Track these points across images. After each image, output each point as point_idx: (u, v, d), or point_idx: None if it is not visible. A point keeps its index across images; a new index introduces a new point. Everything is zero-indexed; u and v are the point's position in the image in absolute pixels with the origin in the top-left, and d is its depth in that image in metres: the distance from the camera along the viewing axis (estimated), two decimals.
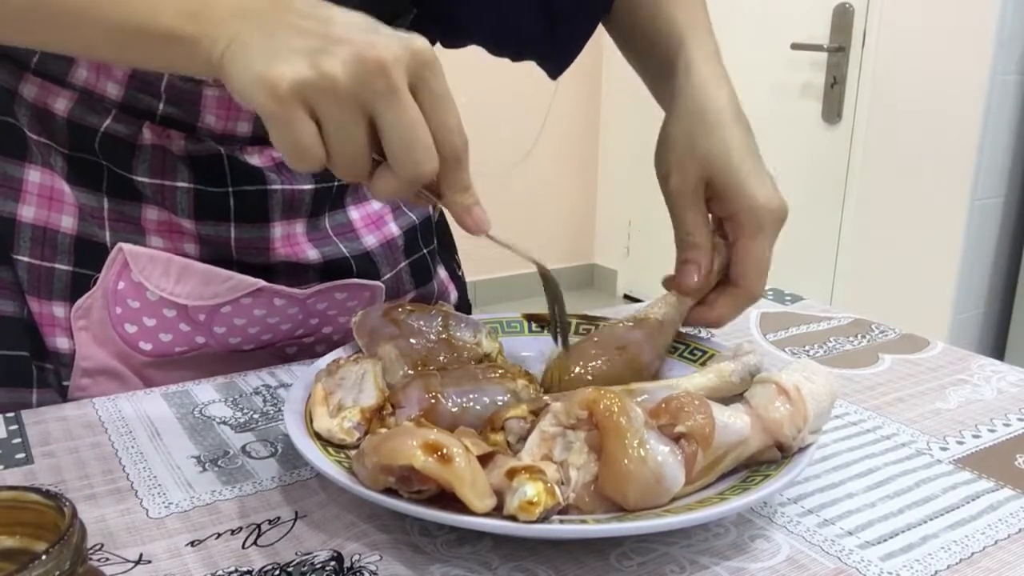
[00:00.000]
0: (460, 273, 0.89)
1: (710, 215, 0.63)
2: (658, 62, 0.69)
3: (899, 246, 2.43)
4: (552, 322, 0.60)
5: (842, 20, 2.49)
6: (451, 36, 0.76)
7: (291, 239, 0.69)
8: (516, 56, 0.78)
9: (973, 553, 0.46)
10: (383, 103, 0.43)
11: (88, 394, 0.67)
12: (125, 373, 0.68)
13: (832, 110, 2.56)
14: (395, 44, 0.43)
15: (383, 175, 0.46)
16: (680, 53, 0.66)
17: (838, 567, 0.45)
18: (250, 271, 0.67)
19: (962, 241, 2.29)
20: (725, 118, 0.62)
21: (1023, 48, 2.19)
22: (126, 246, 0.65)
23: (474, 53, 0.78)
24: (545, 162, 3.52)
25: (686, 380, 0.54)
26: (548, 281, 0.58)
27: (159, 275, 0.65)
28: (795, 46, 2.58)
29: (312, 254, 0.70)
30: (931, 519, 0.49)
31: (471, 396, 0.51)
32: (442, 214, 0.88)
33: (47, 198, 0.66)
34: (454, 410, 0.50)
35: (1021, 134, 2.27)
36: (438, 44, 0.83)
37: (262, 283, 0.67)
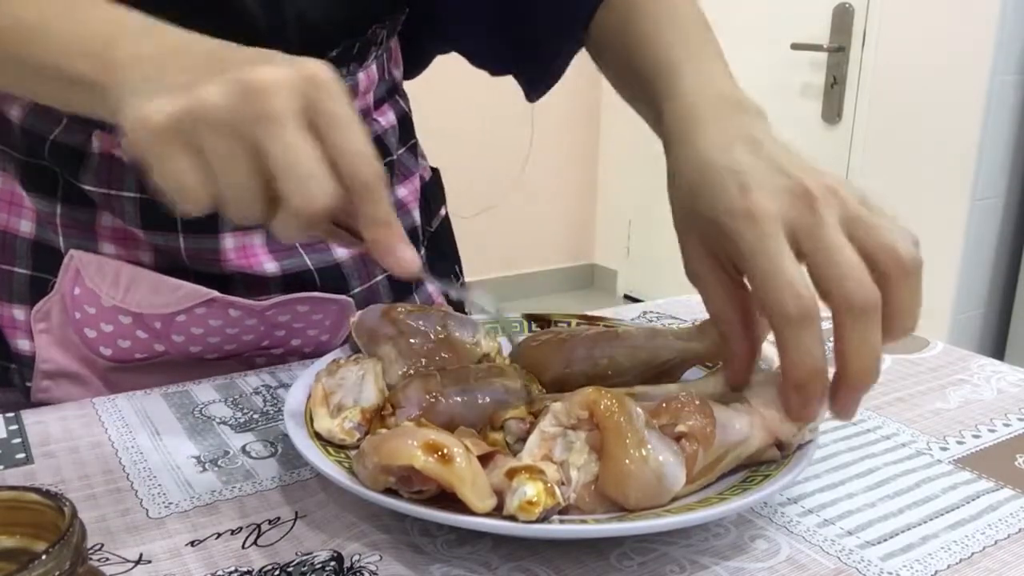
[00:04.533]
0: (459, 283, 0.87)
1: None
2: (646, 104, 0.60)
3: None
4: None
5: (842, 20, 2.49)
6: (438, 41, 0.76)
7: (246, 250, 0.67)
8: (493, 71, 0.76)
9: (973, 553, 0.46)
10: (264, 130, 0.39)
11: (51, 396, 0.67)
12: (88, 377, 0.68)
13: (832, 110, 2.57)
14: (281, 69, 0.40)
15: (281, 214, 0.41)
16: (665, 97, 0.56)
17: (838, 567, 0.45)
18: (206, 281, 0.66)
19: (962, 241, 2.29)
20: (719, 174, 0.47)
21: (1023, 48, 2.19)
22: (76, 253, 0.65)
23: None
24: (545, 162, 3.52)
25: (691, 386, 0.53)
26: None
27: (109, 283, 0.65)
28: (795, 46, 2.58)
29: (270, 266, 0.68)
30: (931, 519, 0.49)
31: (471, 396, 0.51)
32: (444, 220, 0.87)
33: (7, 202, 0.66)
34: (454, 410, 0.50)
35: (1021, 134, 2.27)
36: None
37: (214, 293, 0.65)
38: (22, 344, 0.67)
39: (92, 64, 0.43)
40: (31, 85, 0.49)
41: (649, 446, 0.44)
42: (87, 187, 0.64)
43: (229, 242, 0.67)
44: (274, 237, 0.42)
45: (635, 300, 3.33)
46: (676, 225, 0.51)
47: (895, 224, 0.44)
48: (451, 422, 0.49)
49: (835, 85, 2.54)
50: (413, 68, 0.83)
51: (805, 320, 0.43)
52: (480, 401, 0.51)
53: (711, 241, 0.47)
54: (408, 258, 0.43)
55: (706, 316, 0.51)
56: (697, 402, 0.46)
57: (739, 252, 0.45)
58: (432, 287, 0.82)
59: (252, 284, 0.68)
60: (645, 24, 0.62)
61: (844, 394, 0.45)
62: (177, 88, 0.39)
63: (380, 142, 0.75)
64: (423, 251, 0.81)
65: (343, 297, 0.71)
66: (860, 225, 0.44)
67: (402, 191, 0.79)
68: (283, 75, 0.39)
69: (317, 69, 0.41)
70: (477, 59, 0.76)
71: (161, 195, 0.40)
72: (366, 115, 0.74)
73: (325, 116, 0.40)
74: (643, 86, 0.60)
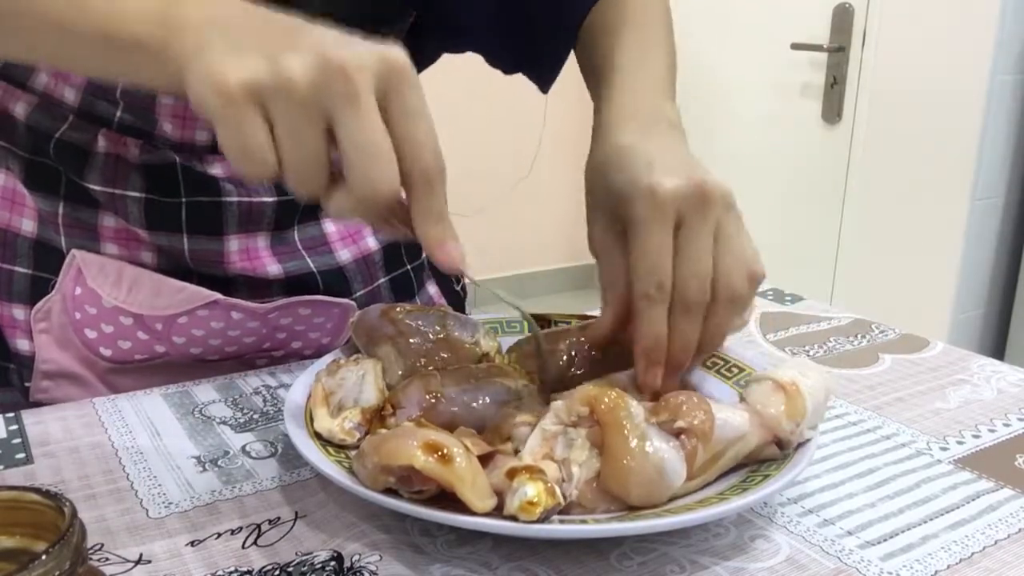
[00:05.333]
0: (458, 287, 0.86)
1: None
2: (593, 100, 0.64)
3: (899, 246, 2.43)
4: (540, 367, 0.53)
5: (842, 20, 2.49)
6: (449, 41, 0.76)
7: (250, 253, 0.67)
8: (505, 70, 0.77)
9: (973, 553, 0.46)
10: (342, 109, 0.39)
11: (50, 396, 0.67)
12: (88, 378, 0.68)
13: (832, 110, 2.56)
14: (364, 52, 0.40)
15: (339, 192, 0.41)
16: (600, 100, 0.62)
17: (838, 567, 0.45)
18: (208, 283, 0.66)
19: (962, 241, 2.29)
20: (631, 153, 0.54)
21: (1022, 48, 2.19)
22: (79, 253, 0.64)
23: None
24: (545, 162, 3.52)
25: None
26: (531, 327, 0.53)
27: (111, 284, 0.65)
28: (795, 46, 2.58)
29: (273, 269, 0.68)
30: (931, 519, 0.49)
31: (471, 396, 0.51)
32: None
33: (9, 200, 0.66)
34: (454, 410, 0.50)
35: (1021, 134, 2.27)
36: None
37: (217, 296, 0.65)
38: (21, 344, 0.67)
39: (153, 26, 0.42)
40: (70, 55, 0.47)
41: (650, 441, 0.44)
42: (91, 186, 0.64)
43: (233, 244, 0.66)
44: (328, 214, 0.42)
45: None
46: (587, 200, 0.56)
47: (751, 254, 0.52)
48: (452, 422, 0.49)
49: (835, 85, 2.54)
50: (418, 65, 0.82)
51: (658, 297, 0.49)
52: (480, 401, 0.51)
53: (615, 215, 0.53)
54: (456, 255, 0.44)
55: None
56: (695, 399, 0.47)
57: (631, 220, 0.50)
58: (433, 289, 0.82)
59: (255, 286, 0.68)
60: (605, 25, 0.67)
61: (664, 371, 0.52)
62: (256, 52, 0.39)
63: None
64: (423, 254, 0.81)
65: (345, 300, 0.71)
66: (725, 240, 0.50)
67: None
68: (366, 58, 0.40)
69: (398, 55, 0.41)
70: (489, 58, 0.77)
71: (225, 154, 0.40)
72: None
73: (399, 103, 0.41)
74: (590, 84, 0.66)
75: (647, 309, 0.50)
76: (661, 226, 0.50)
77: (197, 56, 0.40)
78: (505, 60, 0.76)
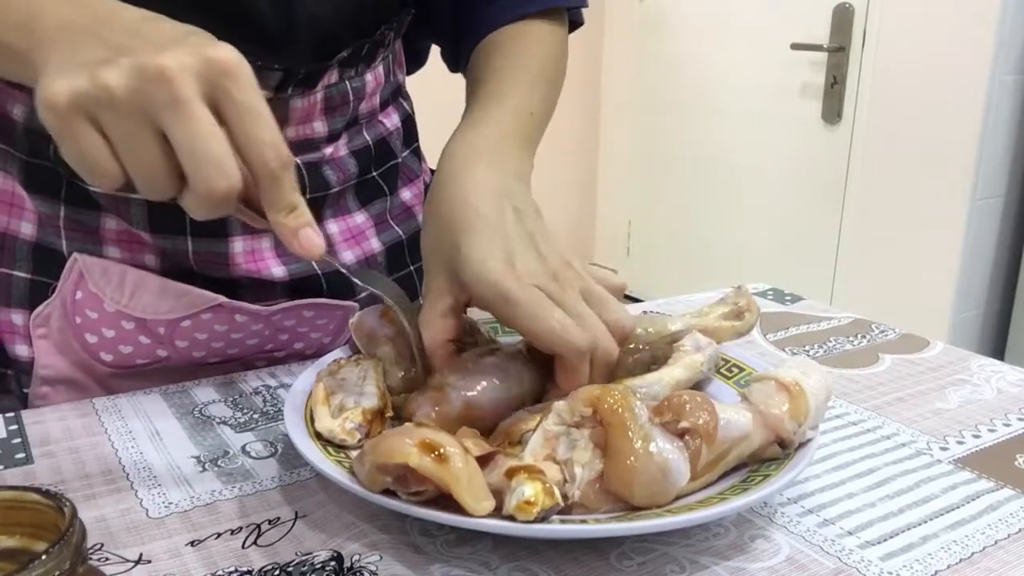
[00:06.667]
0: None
1: None
2: None
3: (899, 246, 2.43)
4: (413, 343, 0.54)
5: (842, 20, 2.49)
6: (420, 30, 0.77)
7: (255, 255, 0.67)
8: (451, 67, 0.78)
9: (973, 553, 0.46)
10: (166, 114, 0.39)
11: (49, 402, 0.67)
12: (87, 383, 0.68)
13: (832, 110, 2.56)
14: (185, 53, 0.40)
15: (188, 194, 0.42)
16: (464, 116, 0.64)
17: (838, 567, 0.45)
18: (213, 285, 0.65)
19: (962, 241, 2.29)
20: (482, 210, 0.54)
21: (1022, 48, 2.19)
22: (80, 256, 0.64)
23: None
24: (545, 162, 3.52)
25: (666, 374, 0.54)
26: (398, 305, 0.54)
27: (113, 288, 0.64)
28: (795, 46, 2.58)
29: (277, 271, 0.67)
30: (931, 519, 0.49)
31: (473, 379, 0.51)
32: None
33: (8, 204, 0.65)
34: (464, 394, 0.50)
35: (1021, 134, 2.27)
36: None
37: (221, 299, 0.65)
38: (20, 349, 0.67)
39: (20, 35, 0.43)
40: None
41: (654, 442, 0.44)
42: (93, 189, 0.63)
43: (238, 246, 0.66)
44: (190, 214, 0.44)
45: (635, 300, 3.33)
46: (426, 249, 0.57)
47: (616, 301, 0.54)
48: (463, 411, 0.49)
49: (835, 85, 2.54)
50: (412, 64, 0.83)
51: (583, 355, 0.50)
52: (483, 384, 0.51)
53: (460, 283, 0.53)
54: (311, 241, 0.44)
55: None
56: (699, 399, 0.47)
57: (503, 316, 0.51)
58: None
59: (259, 289, 0.67)
60: (502, 50, 0.69)
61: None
62: (83, 67, 0.40)
63: (386, 144, 0.75)
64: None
65: (348, 302, 0.71)
66: (593, 299, 0.53)
67: (407, 193, 0.78)
68: (187, 60, 0.40)
69: (226, 54, 0.41)
70: (443, 53, 0.78)
71: (69, 169, 0.41)
72: (372, 117, 0.74)
73: (231, 103, 0.41)
74: (467, 92, 0.68)
75: (575, 366, 0.50)
76: (547, 310, 0.50)
77: (44, 70, 0.41)
78: (449, 58, 0.77)
